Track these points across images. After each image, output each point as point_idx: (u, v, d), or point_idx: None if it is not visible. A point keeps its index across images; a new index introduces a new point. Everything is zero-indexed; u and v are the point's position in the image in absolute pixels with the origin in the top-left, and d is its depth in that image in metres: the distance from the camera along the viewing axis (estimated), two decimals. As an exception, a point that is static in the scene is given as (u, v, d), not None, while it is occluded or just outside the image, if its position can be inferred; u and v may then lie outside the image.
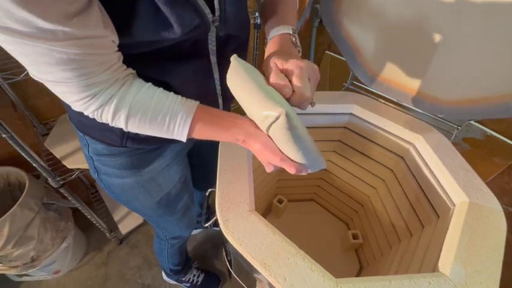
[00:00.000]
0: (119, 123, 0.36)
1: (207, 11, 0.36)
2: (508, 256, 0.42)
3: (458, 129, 0.71)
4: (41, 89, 0.86)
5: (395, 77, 0.70)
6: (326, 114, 0.70)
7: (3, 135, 0.63)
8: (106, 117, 0.35)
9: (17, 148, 0.67)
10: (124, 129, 0.37)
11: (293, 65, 0.36)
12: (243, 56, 0.53)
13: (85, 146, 0.51)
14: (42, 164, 0.74)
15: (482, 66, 0.55)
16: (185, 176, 0.65)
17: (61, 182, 0.81)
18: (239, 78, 0.37)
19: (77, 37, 0.27)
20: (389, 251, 0.70)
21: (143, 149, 0.51)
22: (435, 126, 0.64)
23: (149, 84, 0.37)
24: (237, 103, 0.39)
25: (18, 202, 0.81)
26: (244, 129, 0.38)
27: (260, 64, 1.14)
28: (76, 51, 0.28)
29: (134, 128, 0.36)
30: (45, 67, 0.28)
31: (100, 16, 0.29)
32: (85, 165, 0.81)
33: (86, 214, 0.98)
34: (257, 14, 0.89)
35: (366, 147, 0.74)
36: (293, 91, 0.36)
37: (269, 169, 0.39)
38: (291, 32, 0.46)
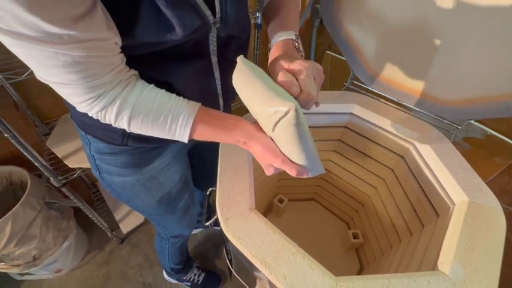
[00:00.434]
0: (122, 124, 0.36)
1: (208, 12, 0.37)
2: (508, 255, 0.42)
3: (459, 128, 0.71)
4: (43, 89, 0.87)
5: (395, 77, 0.70)
6: (326, 114, 0.70)
7: (6, 135, 0.64)
8: (109, 118, 0.35)
9: (19, 147, 0.67)
10: (127, 130, 0.37)
11: (299, 65, 0.37)
12: (243, 56, 0.54)
13: (86, 145, 0.51)
14: (44, 164, 0.74)
15: (483, 66, 0.55)
16: (185, 175, 0.66)
17: (63, 181, 0.82)
18: (245, 78, 0.37)
19: (82, 40, 0.28)
20: (389, 251, 0.70)
21: (144, 147, 0.51)
22: (436, 126, 0.64)
23: (152, 85, 0.37)
24: (238, 103, 0.39)
25: (20, 201, 0.82)
26: (245, 131, 0.38)
27: (261, 64, 1.14)
28: (81, 53, 0.28)
29: (136, 128, 0.37)
30: (51, 70, 0.29)
31: (104, 19, 0.29)
32: (86, 165, 0.82)
33: (87, 213, 0.99)
34: (258, 14, 0.89)
35: (366, 147, 0.74)
36: (300, 90, 0.36)
37: (269, 172, 0.39)
38: (293, 38, 0.46)
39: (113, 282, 1.12)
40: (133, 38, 0.33)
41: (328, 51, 1.12)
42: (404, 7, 0.59)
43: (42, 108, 0.93)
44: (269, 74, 0.40)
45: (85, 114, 0.36)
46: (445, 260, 0.39)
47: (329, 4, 0.71)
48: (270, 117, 0.34)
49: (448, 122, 0.72)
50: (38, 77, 0.31)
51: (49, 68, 0.29)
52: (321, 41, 1.13)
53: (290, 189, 0.95)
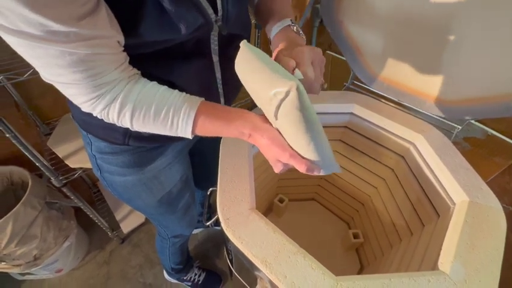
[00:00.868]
0: (125, 121, 0.36)
1: (210, 11, 0.37)
2: (508, 255, 0.42)
3: (459, 128, 0.71)
4: (44, 89, 0.87)
5: (396, 77, 0.70)
6: (327, 114, 0.70)
7: (7, 135, 0.64)
8: (112, 115, 0.35)
9: (20, 147, 0.68)
10: (130, 128, 0.37)
11: (296, 52, 0.37)
12: None
13: (87, 145, 0.51)
14: (45, 163, 0.74)
15: (483, 66, 0.55)
16: (186, 174, 0.66)
17: (64, 181, 0.82)
18: (248, 63, 0.35)
19: (87, 38, 0.28)
20: (389, 250, 0.70)
21: (145, 147, 0.51)
22: (436, 126, 0.64)
23: (154, 82, 0.37)
24: (240, 103, 0.39)
25: (21, 201, 0.82)
26: (250, 122, 0.36)
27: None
28: (86, 51, 0.29)
29: (139, 125, 0.36)
30: (56, 69, 0.29)
31: (107, 17, 0.29)
32: (87, 165, 0.82)
33: (88, 213, 0.99)
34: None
35: (366, 147, 0.74)
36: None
37: (277, 169, 0.36)
38: (290, 23, 0.46)
39: (113, 282, 1.12)
40: (137, 36, 0.33)
41: (328, 51, 1.12)
42: (405, 7, 0.59)
43: (43, 108, 0.93)
44: None
45: (86, 114, 0.36)
46: (446, 260, 0.39)
47: (329, 4, 0.71)
48: (271, 100, 0.31)
49: (448, 122, 0.72)
50: (43, 78, 0.31)
51: (54, 67, 0.29)
52: (321, 41, 1.13)
53: (290, 189, 0.95)
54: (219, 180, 0.49)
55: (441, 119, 0.71)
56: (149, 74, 0.38)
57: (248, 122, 0.36)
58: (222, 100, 0.53)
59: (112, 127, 0.39)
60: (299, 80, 0.31)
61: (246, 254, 0.39)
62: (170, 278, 1.10)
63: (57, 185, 0.81)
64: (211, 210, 1.21)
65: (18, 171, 0.94)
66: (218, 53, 0.45)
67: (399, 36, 0.64)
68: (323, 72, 0.40)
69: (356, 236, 0.83)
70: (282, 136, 0.35)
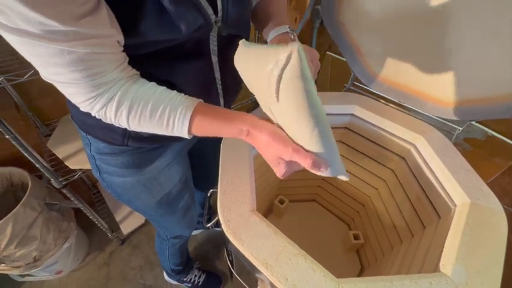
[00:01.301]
0: (122, 120, 0.35)
1: (210, 11, 0.37)
2: (509, 256, 0.42)
3: (459, 129, 0.71)
4: (44, 90, 0.87)
5: (396, 78, 0.70)
6: (327, 115, 0.70)
7: (7, 136, 0.64)
8: (109, 114, 0.35)
9: (20, 149, 0.67)
10: (127, 127, 0.37)
11: None
12: None
13: (87, 145, 0.51)
14: (45, 165, 0.74)
15: (483, 67, 0.55)
16: (186, 175, 0.66)
17: (63, 183, 0.82)
18: (245, 53, 0.35)
19: (87, 37, 0.28)
20: (390, 252, 0.70)
21: (144, 148, 0.51)
22: (437, 127, 0.64)
23: (153, 83, 0.37)
24: (239, 104, 0.39)
25: (21, 202, 0.82)
26: (250, 120, 0.35)
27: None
28: (85, 50, 0.29)
29: (135, 123, 0.36)
30: (55, 68, 0.29)
31: (108, 17, 0.29)
32: (87, 166, 0.82)
33: (88, 214, 0.99)
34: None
35: (367, 148, 0.74)
36: None
37: (280, 171, 0.33)
38: (288, 31, 0.47)
39: (113, 283, 1.12)
40: (137, 36, 0.34)
41: (328, 52, 1.12)
42: (405, 8, 0.59)
43: (43, 110, 0.93)
44: None
45: (86, 114, 0.36)
46: (447, 262, 0.39)
47: (329, 5, 0.72)
48: (269, 79, 0.29)
49: (448, 123, 0.72)
50: (42, 77, 0.31)
51: (53, 66, 0.29)
52: (321, 42, 1.13)
53: (291, 190, 0.95)
54: (220, 181, 0.49)
55: (441, 120, 0.71)
56: (149, 75, 0.38)
57: (247, 120, 0.35)
58: (222, 101, 0.53)
59: (111, 128, 0.39)
60: None
61: (247, 256, 0.39)
62: (170, 280, 1.09)
63: (57, 186, 0.81)
64: (212, 211, 1.21)
65: (18, 173, 0.93)
66: (217, 53, 0.45)
67: (400, 37, 0.64)
68: (315, 77, 0.40)
69: (356, 237, 0.83)
70: (284, 131, 0.33)
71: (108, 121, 0.36)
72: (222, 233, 0.43)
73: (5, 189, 0.96)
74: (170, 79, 0.41)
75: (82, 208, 0.95)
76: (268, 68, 0.29)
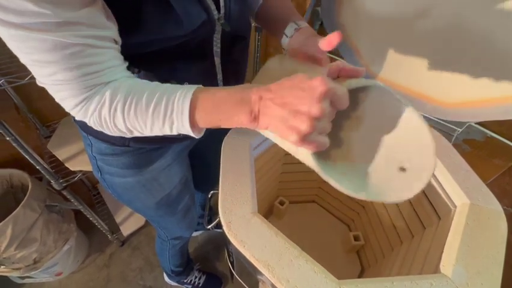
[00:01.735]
0: (117, 116, 0.32)
1: (213, 7, 0.37)
2: (509, 257, 0.42)
3: (459, 130, 0.71)
4: (44, 92, 0.85)
5: (396, 79, 0.70)
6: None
7: (7, 138, 0.64)
8: (104, 113, 0.32)
9: (20, 150, 0.67)
10: (123, 126, 0.34)
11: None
12: (245, 57, 0.54)
13: (88, 146, 0.51)
14: (45, 166, 0.74)
15: (483, 68, 0.55)
16: (186, 176, 0.66)
17: (64, 184, 0.82)
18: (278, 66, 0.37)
19: (81, 29, 0.28)
20: (390, 253, 0.70)
21: (145, 148, 0.51)
22: (436, 128, 0.64)
23: (147, 81, 0.35)
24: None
25: (21, 204, 0.82)
26: (256, 87, 0.30)
27: (261, 66, 1.14)
28: (78, 41, 0.28)
29: (131, 117, 0.32)
30: (48, 67, 0.28)
31: (104, 12, 0.29)
32: (87, 167, 0.82)
33: (88, 216, 0.99)
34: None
35: (367, 149, 0.74)
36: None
37: (305, 127, 0.25)
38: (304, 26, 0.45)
39: (113, 285, 1.12)
40: (141, 34, 0.33)
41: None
42: (404, 9, 0.60)
43: (43, 111, 0.93)
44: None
45: None
46: (447, 263, 0.39)
47: (329, 7, 0.72)
48: None
49: (448, 124, 0.72)
50: (37, 82, 0.31)
51: (46, 65, 0.28)
52: (321, 43, 1.13)
53: (291, 191, 0.95)
54: (221, 183, 0.49)
55: (441, 121, 0.72)
56: (150, 74, 0.38)
57: (254, 88, 0.30)
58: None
59: None
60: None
61: (248, 257, 0.39)
62: (170, 281, 1.09)
63: (57, 188, 0.81)
64: (212, 212, 1.21)
65: (18, 174, 0.93)
66: (220, 55, 0.45)
67: (399, 38, 0.64)
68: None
69: (356, 238, 0.83)
70: None
71: (103, 124, 0.34)
72: (223, 234, 0.43)
73: (5, 191, 0.96)
74: (172, 79, 0.41)
75: (82, 210, 0.95)
76: None
